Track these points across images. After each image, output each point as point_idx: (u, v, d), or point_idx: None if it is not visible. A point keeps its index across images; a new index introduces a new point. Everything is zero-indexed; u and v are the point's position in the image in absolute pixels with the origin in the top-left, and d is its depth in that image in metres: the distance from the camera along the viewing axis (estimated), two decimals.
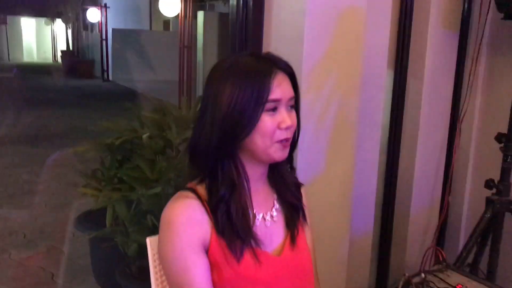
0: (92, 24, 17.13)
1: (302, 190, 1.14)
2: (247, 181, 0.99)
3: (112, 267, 2.03)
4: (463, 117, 2.22)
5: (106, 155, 2.08)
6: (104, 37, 14.84)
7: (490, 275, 2.05)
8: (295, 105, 1.00)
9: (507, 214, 1.99)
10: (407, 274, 1.67)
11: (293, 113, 0.99)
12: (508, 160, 1.99)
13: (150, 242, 1.09)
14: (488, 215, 2.00)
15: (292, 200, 1.07)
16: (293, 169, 1.10)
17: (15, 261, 3.01)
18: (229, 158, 0.96)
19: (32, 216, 3.79)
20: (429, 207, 2.28)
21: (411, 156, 2.13)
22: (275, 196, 1.07)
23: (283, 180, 1.06)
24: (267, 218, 1.02)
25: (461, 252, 1.96)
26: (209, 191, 0.97)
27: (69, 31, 21.87)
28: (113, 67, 14.62)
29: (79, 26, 20.10)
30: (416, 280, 1.67)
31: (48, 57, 24.35)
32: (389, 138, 2.14)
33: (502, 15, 1.91)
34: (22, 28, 23.88)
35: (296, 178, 1.12)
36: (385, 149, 2.13)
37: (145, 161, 1.75)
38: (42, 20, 24.03)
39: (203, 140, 0.95)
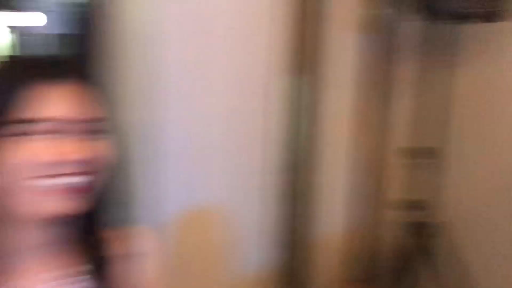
0: None
1: (141, 237, 0.80)
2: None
3: None
4: (369, 129, 1.98)
5: None
6: None
7: None
8: (102, 130, 0.67)
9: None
10: None
11: (96, 143, 0.65)
12: (432, 177, 1.79)
13: None
14: (409, 239, 1.79)
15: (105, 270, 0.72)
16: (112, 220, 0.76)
17: None
18: None
19: None
20: (341, 232, 2.00)
21: (312, 172, 1.85)
22: (78, 267, 0.72)
23: (96, 242, 0.72)
24: None
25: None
26: None
27: None
28: None
29: None
30: None
31: None
32: (288, 153, 1.85)
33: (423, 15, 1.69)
34: None
35: (116, 230, 0.78)
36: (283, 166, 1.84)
37: None
38: None
39: None
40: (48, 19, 1.21)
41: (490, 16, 1.55)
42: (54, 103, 0.62)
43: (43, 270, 0.69)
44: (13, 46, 1.29)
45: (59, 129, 0.62)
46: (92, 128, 0.65)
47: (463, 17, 1.57)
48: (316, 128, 1.78)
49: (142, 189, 0.82)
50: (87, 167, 0.64)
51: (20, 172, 0.61)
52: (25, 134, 0.61)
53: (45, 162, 0.61)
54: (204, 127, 1.35)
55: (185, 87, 1.29)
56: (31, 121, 0.61)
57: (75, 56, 0.69)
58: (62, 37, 1.12)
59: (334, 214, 1.96)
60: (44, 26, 1.22)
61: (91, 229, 0.72)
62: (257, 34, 1.51)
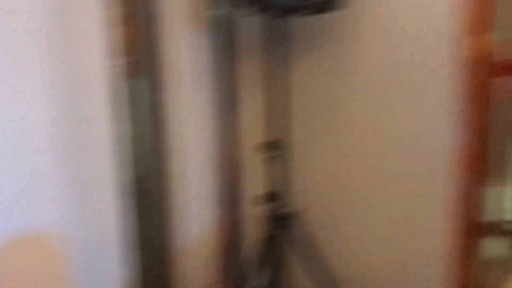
0: None
1: None
2: None
3: None
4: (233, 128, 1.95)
5: None
6: None
7: None
8: None
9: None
10: None
11: None
12: (282, 169, 1.82)
13: None
14: (269, 234, 1.81)
15: None
16: None
17: None
18: None
19: None
20: (204, 235, 1.95)
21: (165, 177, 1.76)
22: None
23: None
24: None
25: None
26: None
27: None
28: None
29: None
30: None
31: None
32: (136, 161, 1.73)
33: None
34: None
35: None
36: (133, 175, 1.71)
37: None
38: None
39: None
40: None
41: (318, 7, 1.61)
42: None
43: None
44: None
45: None
46: None
47: (294, 10, 1.60)
48: (163, 132, 1.69)
49: None
50: None
51: None
52: None
53: None
54: (28, 135, 1.16)
55: None
56: None
57: None
58: None
59: (195, 217, 1.90)
60: None
61: None
62: (83, 37, 1.35)
